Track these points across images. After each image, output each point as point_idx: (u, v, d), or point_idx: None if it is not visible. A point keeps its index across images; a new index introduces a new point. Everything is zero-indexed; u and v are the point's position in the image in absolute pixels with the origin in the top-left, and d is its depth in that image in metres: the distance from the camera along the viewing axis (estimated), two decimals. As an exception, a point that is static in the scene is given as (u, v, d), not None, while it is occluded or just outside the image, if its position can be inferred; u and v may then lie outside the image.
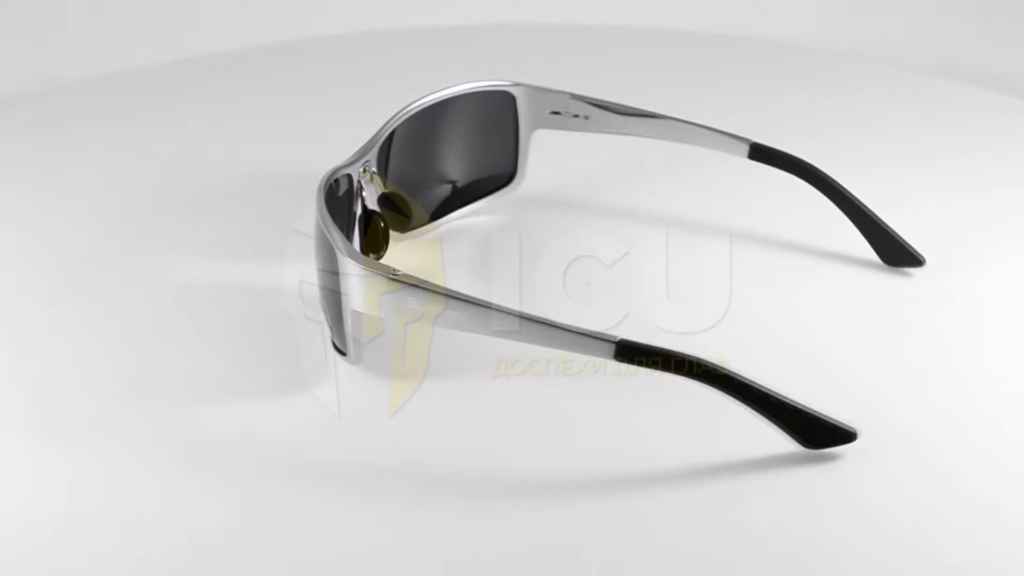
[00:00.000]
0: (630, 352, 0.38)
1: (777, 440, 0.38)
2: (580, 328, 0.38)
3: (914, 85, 0.67)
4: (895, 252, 0.49)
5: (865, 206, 0.50)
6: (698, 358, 0.38)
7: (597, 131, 0.52)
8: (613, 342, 0.38)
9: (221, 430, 0.41)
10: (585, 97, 0.52)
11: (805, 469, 0.38)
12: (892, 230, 0.49)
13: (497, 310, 0.39)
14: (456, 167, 0.51)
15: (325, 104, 0.65)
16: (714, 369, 0.38)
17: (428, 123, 0.49)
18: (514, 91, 0.51)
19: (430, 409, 0.41)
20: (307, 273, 0.44)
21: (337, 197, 0.43)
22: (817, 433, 0.38)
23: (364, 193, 0.45)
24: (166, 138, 0.61)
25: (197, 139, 0.61)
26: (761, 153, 0.50)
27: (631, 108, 0.52)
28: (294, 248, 0.47)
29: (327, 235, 0.41)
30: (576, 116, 0.52)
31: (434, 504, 0.38)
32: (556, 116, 0.52)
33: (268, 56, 0.72)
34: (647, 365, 0.38)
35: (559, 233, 0.51)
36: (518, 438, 0.40)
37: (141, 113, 0.64)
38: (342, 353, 0.43)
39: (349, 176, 0.44)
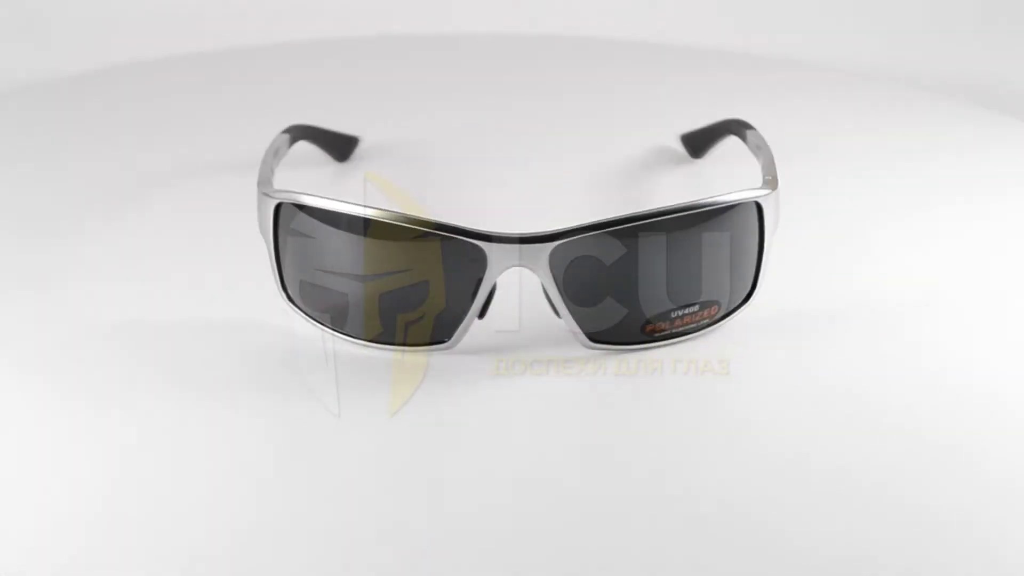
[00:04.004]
0: None
1: (777, 446, 0.39)
2: None
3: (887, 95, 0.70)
4: (344, 148, 0.58)
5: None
6: None
7: None
8: None
9: (219, 430, 0.40)
10: None
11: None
12: (332, 130, 0.57)
13: None
14: None
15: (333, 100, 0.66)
16: None
17: None
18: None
19: (430, 409, 0.41)
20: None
21: None
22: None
23: None
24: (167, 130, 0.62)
25: (196, 132, 0.62)
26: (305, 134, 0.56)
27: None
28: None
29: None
30: None
31: (434, 504, 0.38)
32: None
33: (263, 56, 0.72)
34: None
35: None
36: (518, 438, 0.40)
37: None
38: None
39: None
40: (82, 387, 0.42)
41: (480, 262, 0.41)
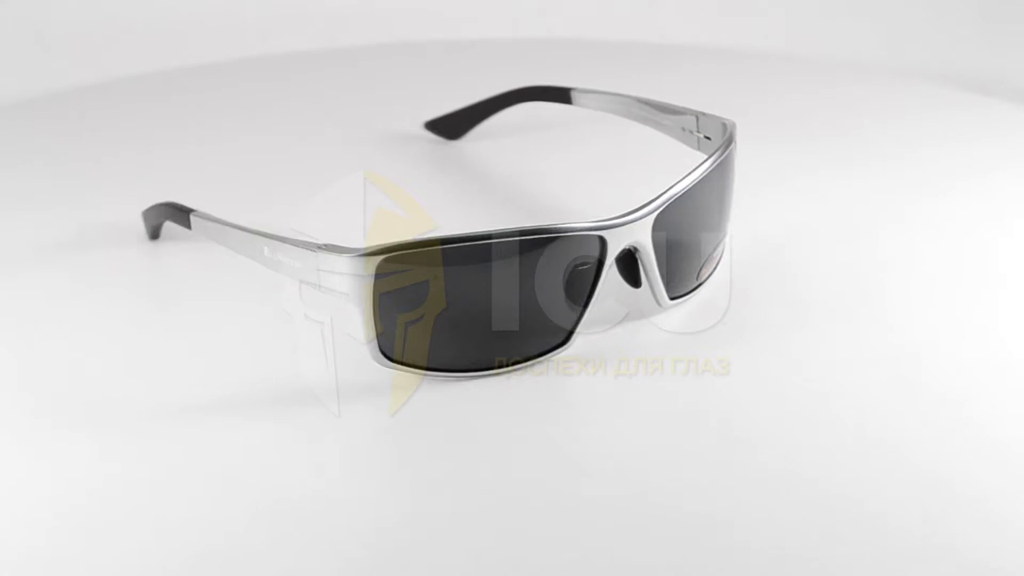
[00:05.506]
0: None
1: (767, 449, 0.39)
2: None
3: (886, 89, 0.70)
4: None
5: None
6: None
7: None
8: None
9: (220, 430, 0.40)
10: None
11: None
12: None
13: None
14: None
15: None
16: None
17: None
18: None
19: (430, 409, 0.41)
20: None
21: None
22: None
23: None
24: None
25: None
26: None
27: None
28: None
29: None
30: None
31: (434, 505, 0.38)
32: None
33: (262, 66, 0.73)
34: None
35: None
36: (518, 439, 0.40)
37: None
38: None
39: None
40: (81, 388, 0.42)
41: (596, 251, 0.41)
